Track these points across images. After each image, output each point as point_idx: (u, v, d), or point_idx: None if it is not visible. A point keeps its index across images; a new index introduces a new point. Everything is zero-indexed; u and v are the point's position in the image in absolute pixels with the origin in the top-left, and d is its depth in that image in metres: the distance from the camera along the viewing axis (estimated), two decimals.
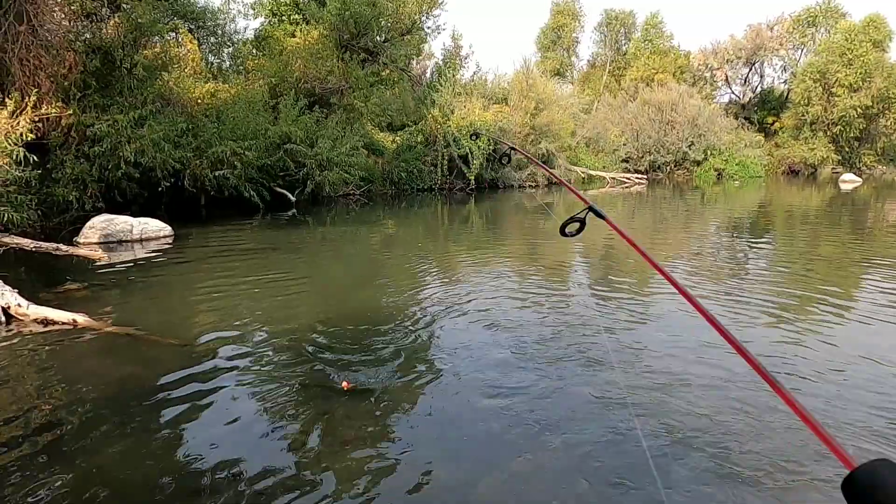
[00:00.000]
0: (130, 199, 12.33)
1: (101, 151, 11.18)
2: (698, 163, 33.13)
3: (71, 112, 10.59)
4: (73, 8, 11.37)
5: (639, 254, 1.37)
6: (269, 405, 3.54)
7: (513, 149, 3.16)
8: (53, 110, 8.62)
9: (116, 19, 12.13)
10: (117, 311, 5.62)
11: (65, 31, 11.18)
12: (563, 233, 1.64)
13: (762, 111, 39.79)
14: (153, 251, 9.24)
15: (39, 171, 9.07)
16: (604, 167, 30.19)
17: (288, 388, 3.80)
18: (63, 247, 6.81)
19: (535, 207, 18.32)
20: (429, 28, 24.42)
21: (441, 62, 30.46)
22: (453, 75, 26.93)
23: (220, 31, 21.74)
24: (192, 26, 20.03)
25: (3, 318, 5.15)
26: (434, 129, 22.57)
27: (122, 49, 11.96)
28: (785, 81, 40.46)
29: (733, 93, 42.61)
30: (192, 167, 13.36)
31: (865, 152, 34.23)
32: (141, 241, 9.99)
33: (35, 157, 7.78)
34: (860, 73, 31.27)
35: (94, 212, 10.64)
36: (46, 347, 4.59)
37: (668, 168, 33.35)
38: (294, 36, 20.65)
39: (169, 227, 10.54)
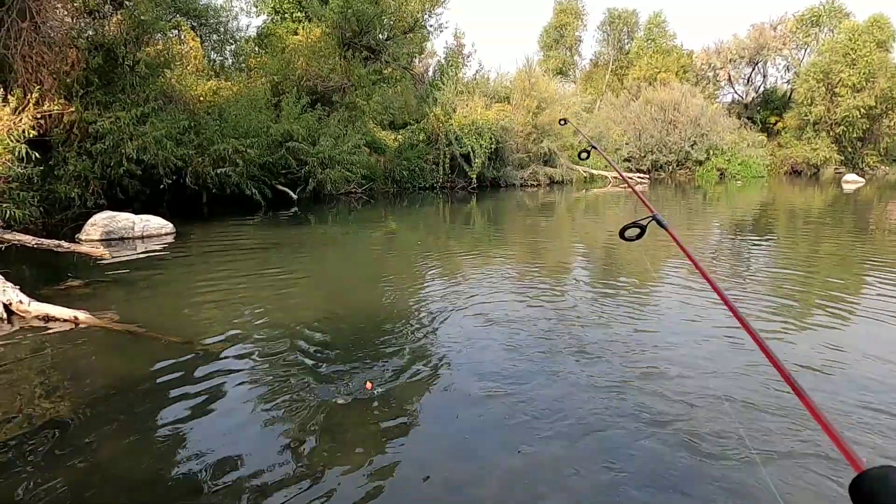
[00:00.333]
0: (132, 197, 12.34)
1: (104, 148, 11.19)
2: (700, 162, 33.07)
3: (73, 109, 10.59)
4: (75, 5, 11.37)
5: (693, 264, 1.38)
6: (271, 403, 3.53)
7: (593, 147, 3.22)
8: (56, 107, 8.62)
9: (119, 16, 12.12)
10: (119, 308, 5.62)
11: (67, 28, 11.19)
12: (622, 236, 1.71)
13: (765, 111, 39.70)
14: (155, 248, 9.25)
15: (42, 168, 9.06)
16: (606, 166, 30.14)
17: (290, 385, 3.80)
18: (65, 244, 6.80)
19: (537, 206, 18.30)
20: (431, 26, 24.40)
21: (443, 60, 30.44)
22: (455, 74, 26.91)
23: (222, 29, 21.71)
24: (195, 24, 20.01)
25: (5, 315, 5.15)
26: (436, 128, 22.55)
27: (125, 46, 11.95)
28: (788, 81, 40.39)
29: (736, 92, 42.57)
30: (194, 165, 13.37)
31: (868, 153, 34.13)
32: (143, 238, 10.00)
33: (37, 154, 7.77)
34: (864, 74, 31.17)
35: (96, 209, 10.65)
36: (48, 344, 4.60)
37: (671, 168, 33.30)
38: (296, 34, 20.64)
39: (171, 225, 10.54)
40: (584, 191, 24.61)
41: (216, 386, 3.78)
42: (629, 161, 32.19)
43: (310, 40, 19.86)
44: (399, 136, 22.88)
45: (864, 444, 3.01)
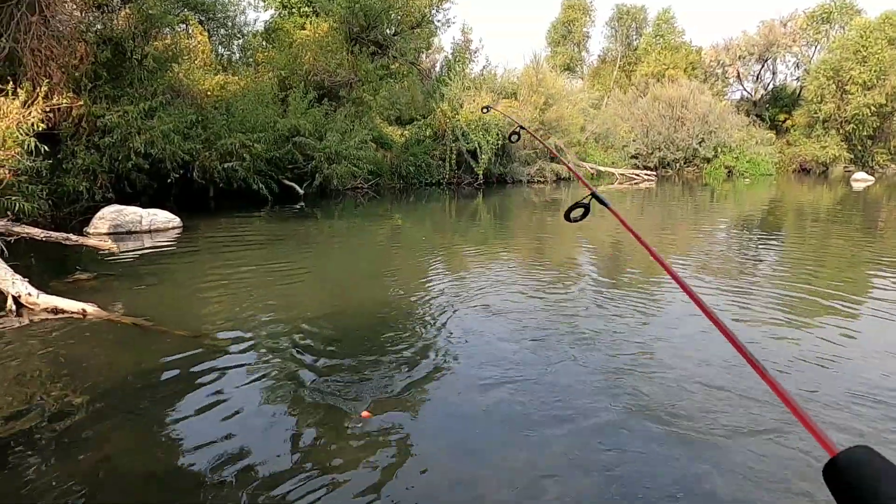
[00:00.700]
0: (140, 191, 12.39)
1: (112, 142, 11.24)
2: (708, 160, 32.89)
3: (82, 103, 10.64)
4: None
5: (640, 244, 1.36)
6: (277, 397, 3.54)
7: (522, 128, 3.20)
8: (64, 101, 8.65)
9: (127, 10, 12.16)
10: (126, 301, 5.64)
11: (76, 22, 11.22)
12: (567, 218, 1.69)
13: (774, 108, 39.42)
14: (162, 242, 9.29)
15: (50, 162, 9.11)
16: (613, 163, 30.03)
17: (296, 380, 3.81)
18: (73, 237, 6.83)
19: (544, 202, 18.27)
20: (439, 21, 24.32)
21: (450, 56, 30.40)
22: (463, 69, 26.87)
23: (230, 23, 21.75)
24: (203, 18, 20.05)
25: (14, 307, 5.18)
26: (443, 124, 22.51)
27: (133, 40, 11.99)
28: (798, 78, 40.07)
29: (745, 89, 42.28)
30: (201, 159, 13.40)
31: (878, 151, 33.85)
32: (150, 232, 10.04)
33: (46, 148, 7.81)
34: (875, 71, 30.89)
35: (103, 202, 10.70)
36: (56, 337, 4.62)
37: (678, 165, 33.13)
38: (304, 28, 20.63)
39: (178, 219, 10.58)
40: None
41: (223, 380, 3.80)
42: (636, 158, 32.05)
43: (317, 35, 19.85)
44: (406, 132, 22.86)
45: (870, 435, 2.99)
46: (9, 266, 5.53)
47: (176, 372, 3.95)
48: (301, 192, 16.53)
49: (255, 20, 27.63)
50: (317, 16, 21.44)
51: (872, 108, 31.19)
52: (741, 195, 21.62)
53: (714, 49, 41.36)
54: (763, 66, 41.12)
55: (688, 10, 70.95)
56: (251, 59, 21.46)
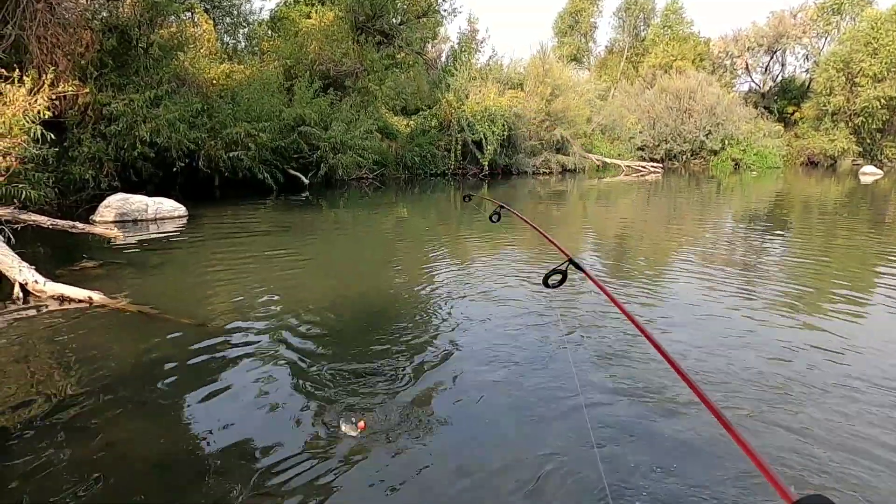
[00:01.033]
0: (146, 179, 12.42)
1: (117, 130, 11.25)
2: (715, 152, 32.73)
3: (87, 90, 10.64)
4: None
5: (615, 305, 1.51)
6: (282, 386, 3.55)
7: (502, 207, 3.12)
8: (70, 88, 8.63)
9: None
10: (132, 289, 5.66)
11: (82, 10, 11.21)
12: (546, 284, 1.71)
13: (782, 100, 39.10)
14: (168, 231, 9.31)
15: (56, 150, 9.13)
16: (619, 155, 29.91)
17: (300, 369, 3.82)
18: (79, 225, 6.84)
19: (549, 194, 18.21)
20: (445, 11, 24.16)
21: (457, 46, 30.26)
22: (469, 59, 26.73)
23: (235, 12, 21.69)
24: (208, 6, 20.00)
25: (21, 295, 5.21)
26: (448, 114, 22.44)
27: (139, 28, 11.97)
28: (807, 70, 39.74)
29: (753, 81, 41.96)
30: (206, 148, 13.40)
31: (888, 144, 33.54)
32: (156, 220, 10.06)
33: (52, 135, 7.82)
34: (885, 63, 30.56)
35: (109, 191, 10.73)
36: (62, 324, 4.65)
37: (685, 157, 32.98)
38: (309, 17, 20.55)
39: (183, 208, 10.60)
40: (596, 179, 24.44)
41: (228, 368, 3.81)
42: (643, 150, 31.91)
43: (323, 24, 19.77)
44: (411, 122, 22.80)
45: (882, 427, 2.98)
46: (15, 254, 5.56)
47: (181, 359, 3.96)
48: (306, 181, 16.53)
49: (261, 9, 27.60)
50: (322, 4, 21.35)
51: (882, 100, 30.89)
52: (748, 188, 21.49)
53: (723, 40, 41.03)
54: (772, 57, 40.79)
55: (697, 1, 70.26)
56: (256, 48, 21.43)
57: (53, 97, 7.73)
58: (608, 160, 29.14)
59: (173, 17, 14.31)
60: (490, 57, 29.88)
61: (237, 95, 15.67)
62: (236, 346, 4.21)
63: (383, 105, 21.33)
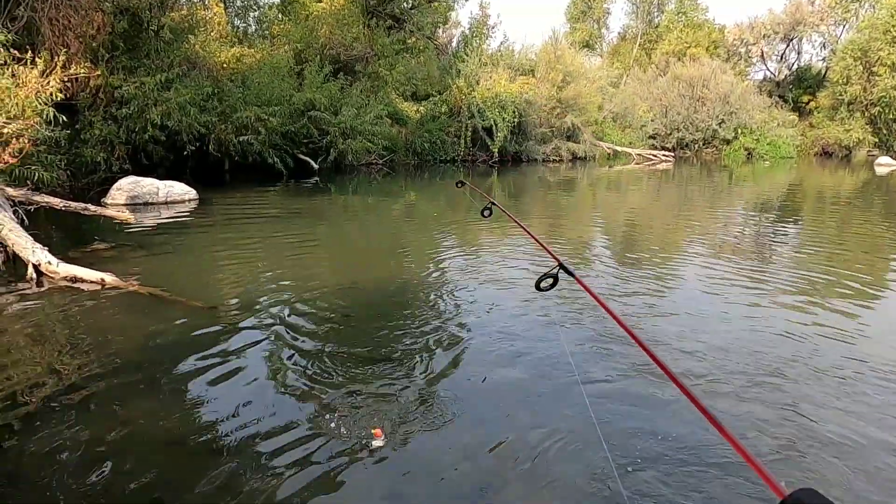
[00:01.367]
0: (157, 163, 12.47)
1: (129, 113, 11.28)
2: (728, 141, 32.39)
3: (99, 73, 10.66)
4: None
5: (605, 310, 1.50)
6: (291, 369, 3.58)
7: (493, 204, 3.10)
8: (82, 70, 8.68)
9: None
10: (144, 271, 5.71)
11: None
12: (538, 288, 1.72)
13: (798, 89, 38.51)
14: (179, 214, 9.36)
15: (68, 132, 9.18)
16: (630, 143, 29.67)
17: (309, 351, 3.85)
18: (91, 207, 6.90)
19: (558, 182, 18.11)
20: None
21: (468, 31, 30.02)
22: (480, 45, 26.52)
23: None
24: None
25: (34, 276, 5.26)
26: (458, 100, 22.32)
27: (150, 11, 11.95)
28: (823, 59, 39.05)
29: (768, 69, 41.32)
30: (216, 132, 13.42)
31: None
32: (166, 203, 10.12)
33: (64, 118, 7.86)
34: None
35: (120, 174, 10.79)
36: (75, 305, 4.70)
37: (697, 146, 32.66)
38: (320, 1, 20.42)
39: (194, 191, 10.64)
40: (607, 167, 24.27)
41: (238, 350, 3.84)
42: (654, 138, 31.63)
43: (333, 8, 19.65)
44: (421, 108, 22.70)
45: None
46: (29, 235, 5.61)
47: (192, 342, 4.00)
48: (316, 166, 16.53)
49: None
50: None
51: None
52: (760, 178, 21.28)
53: (738, 27, 40.35)
54: (788, 45, 40.09)
55: None
56: (267, 32, 21.34)
57: (65, 79, 7.77)
58: (619, 148, 28.92)
59: (184, 0, 14.27)
60: (501, 43, 29.67)
61: (247, 79, 15.66)
62: (246, 329, 4.24)
63: (393, 90, 21.25)
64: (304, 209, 10.86)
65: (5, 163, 6.01)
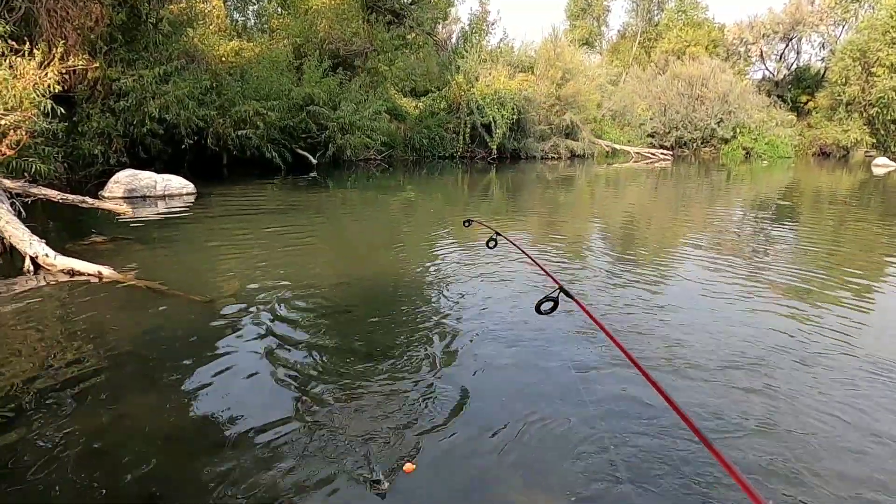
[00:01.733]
0: (154, 156, 12.44)
1: (127, 106, 11.24)
2: (726, 140, 32.42)
3: (97, 65, 10.61)
4: None
5: (605, 334, 1.52)
6: (289, 363, 3.58)
7: (499, 235, 3.07)
8: (80, 62, 8.63)
9: None
10: (141, 265, 5.70)
11: None
12: (538, 311, 1.73)
13: (796, 89, 38.55)
14: (176, 208, 9.34)
15: (66, 124, 9.14)
16: (629, 141, 29.69)
17: (307, 345, 3.85)
18: (89, 200, 6.87)
19: (557, 179, 18.12)
20: None
21: (467, 27, 29.96)
22: (479, 41, 26.51)
23: None
24: None
25: (32, 268, 5.25)
26: (458, 96, 22.29)
27: (148, 3, 11.89)
28: (822, 59, 39.06)
29: (767, 69, 41.33)
30: (215, 126, 13.39)
31: None
32: (164, 197, 10.09)
33: (62, 110, 7.82)
34: None
35: (118, 166, 10.76)
36: (72, 298, 4.69)
37: (695, 145, 32.69)
38: None
39: (192, 185, 10.61)
40: (605, 165, 24.28)
41: (235, 344, 3.84)
42: (653, 137, 31.65)
43: (333, 2, 19.59)
44: (420, 104, 22.66)
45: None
46: (26, 227, 5.60)
47: (189, 335, 4.00)
48: (314, 161, 16.52)
49: None
50: None
51: None
52: (758, 177, 21.31)
53: (738, 26, 40.35)
54: (787, 45, 40.12)
55: None
56: (266, 26, 21.26)
57: (63, 71, 7.73)
58: (617, 146, 28.94)
59: None
60: (501, 39, 29.69)
61: (246, 73, 15.62)
62: (243, 322, 4.24)
63: (392, 86, 21.21)
64: (303, 204, 10.84)
65: (3, 154, 5.99)
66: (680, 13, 40.97)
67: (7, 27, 7.57)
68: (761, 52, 40.16)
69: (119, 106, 11.24)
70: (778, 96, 37.48)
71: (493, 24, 30.42)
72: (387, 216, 10.37)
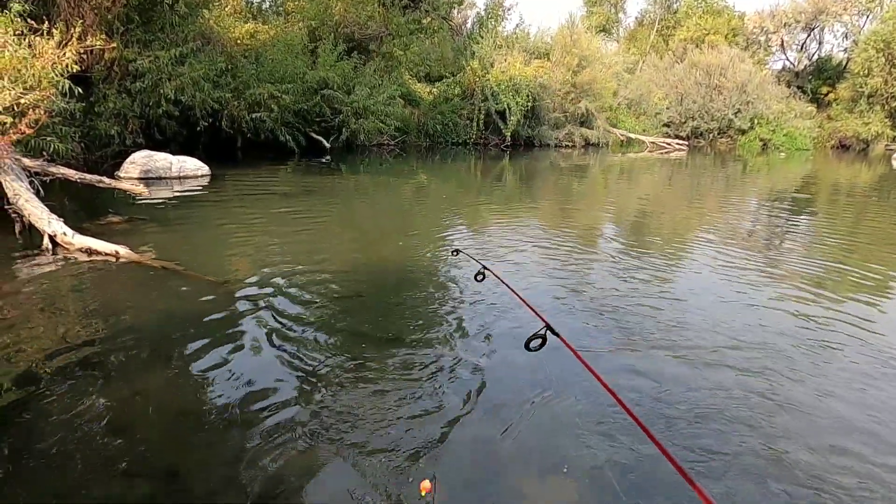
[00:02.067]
0: (169, 137, 12.50)
1: (143, 87, 11.29)
2: (743, 131, 31.98)
3: (114, 46, 10.63)
4: None
5: (592, 374, 1.57)
6: (302, 345, 3.62)
7: (485, 268, 2.97)
8: (98, 42, 8.64)
9: None
10: (157, 245, 5.76)
11: None
12: (527, 348, 1.76)
13: (817, 80, 37.85)
14: (191, 189, 9.40)
15: (83, 104, 9.19)
16: (644, 131, 29.38)
17: (319, 328, 3.88)
18: (106, 179, 6.93)
19: (570, 167, 17.99)
20: None
21: (483, 12, 29.65)
22: (495, 27, 26.25)
23: None
24: None
25: (50, 246, 5.32)
26: (472, 82, 22.13)
27: None
28: (845, 50, 38.26)
29: (788, 59, 40.62)
30: (229, 108, 13.42)
31: None
32: (179, 178, 10.16)
33: (80, 90, 7.86)
34: None
35: (134, 147, 10.83)
36: (89, 277, 4.75)
37: (711, 135, 32.29)
38: None
39: (206, 167, 10.67)
40: (620, 154, 24.06)
41: (248, 325, 3.88)
42: (668, 126, 31.29)
43: None
44: (434, 89, 22.54)
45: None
46: (45, 206, 5.66)
47: (204, 315, 4.04)
48: (327, 145, 16.52)
49: None
50: None
51: None
52: (775, 169, 21.03)
53: (758, 15, 39.64)
54: (809, 34, 39.35)
55: None
56: (281, 8, 21.15)
57: (81, 51, 7.75)
58: (632, 135, 28.66)
59: None
60: (517, 25, 29.16)
61: (261, 56, 15.60)
62: (256, 304, 4.28)
63: (407, 71, 21.10)
64: (316, 188, 10.87)
65: (22, 133, 6.03)
66: (699, 1, 40.26)
67: (26, 6, 7.59)
68: (782, 41, 39.44)
69: (135, 87, 11.29)
70: (798, 87, 36.83)
71: (509, 9, 30.09)
72: (399, 201, 10.37)
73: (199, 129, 12.70)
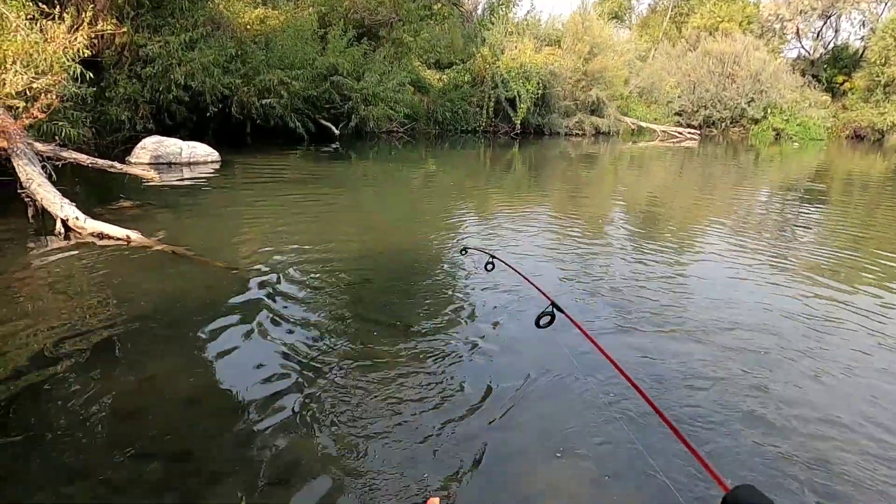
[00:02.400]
0: (179, 123, 12.53)
1: (153, 73, 11.30)
2: (756, 121, 31.61)
3: (125, 30, 10.63)
4: None
5: (599, 350, 1.59)
6: (311, 331, 3.64)
7: (494, 258, 2.94)
8: (108, 27, 8.64)
9: None
10: (168, 230, 5.79)
11: None
12: (537, 325, 1.84)
13: (832, 69, 37.24)
14: (201, 175, 9.43)
15: (94, 89, 9.21)
16: (655, 119, 29.10)
17: (328, 315, 3.90)
18: (118, 165, 6.96)
19: (580, 156, 17.88)
20: None
21: None
22: (506, 13, 26.01)
23: None
24: None
25: (62, 230, 5.36)
26: (482, 69, 21.98)
27: None
28: (862, 38, 37.56)
29: (803, 47, 39.98)
30: (239, 94, 13.42)
31: None
32: (189, 164, 10.19)
33: (91, 75, 7.88)
34: None
35: (144, 133, 10.86)
36: (101, 261, 4.79)
37: (724, 125, 31.93)
38: None
39: (216, 153, 10.69)
40: (630, 143, 23.87)
41: (258, 311, 3.90)
42: (680, 115, 30.97)
43: None
44: (444, 76, 22.40)
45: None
46: (57, 190, 5.70)
47: (214, 300, 4.07)
48: (336, 132, 16.49)
49: None
50: None
51: None
52: (788, 159, 20.81)
53: (774, 2, 38.94)
54: (825, 22, 38.67)
55: None
56: None
57: (92, 36, 7.75)
58: (643, 124, 28.40)
59: None
60: (528, 11, 28.99)
61: (271, 42, 15.54)
62: (266, 290, 4.30)
63: (417, 57, 20.96)
64: (325, 174, 10.87)
65: (34, 118, 6.07)
66: None
67: None
68: (797, 29, 38.80)
69: (145, 72, 11.30)
70: (813, 76, 36.28)
71: None
72: (408, 188, 10.36)
73: (208, 114, 12.72)
